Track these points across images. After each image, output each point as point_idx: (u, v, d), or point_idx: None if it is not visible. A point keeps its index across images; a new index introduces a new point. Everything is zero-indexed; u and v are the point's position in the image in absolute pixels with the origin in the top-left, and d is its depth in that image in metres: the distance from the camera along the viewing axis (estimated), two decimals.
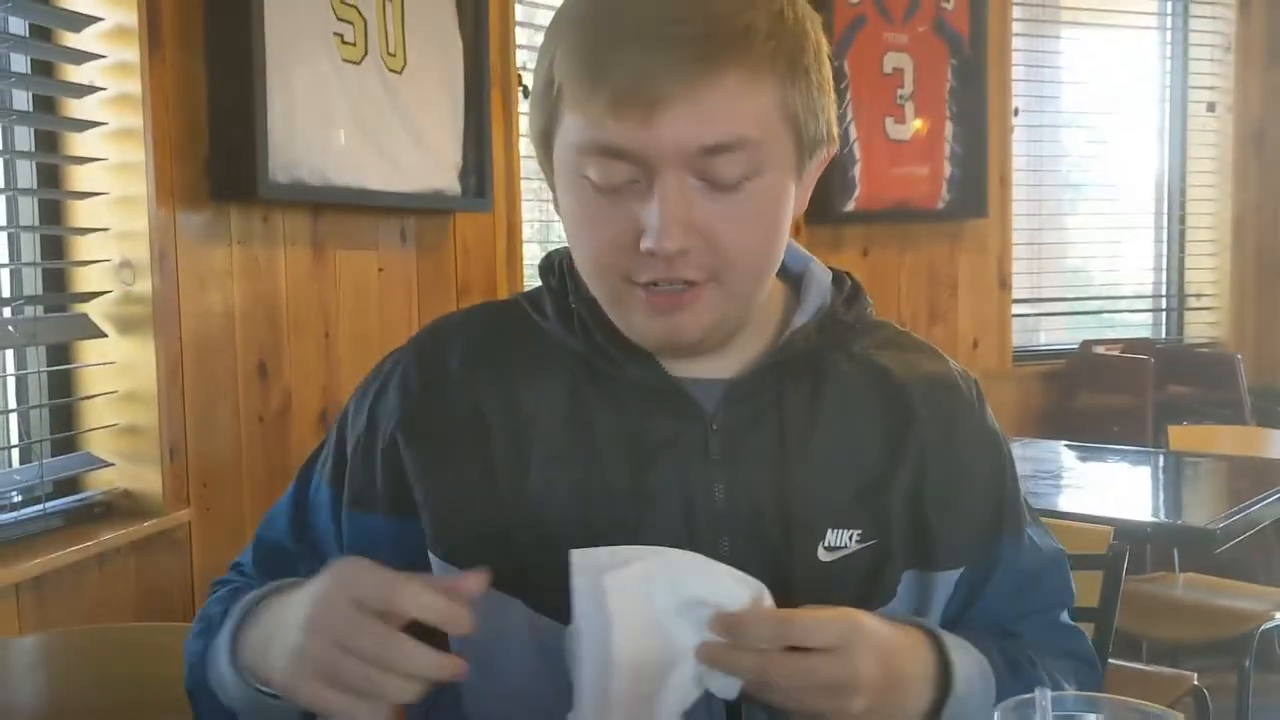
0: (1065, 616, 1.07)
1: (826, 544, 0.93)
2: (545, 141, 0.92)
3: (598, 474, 0.92)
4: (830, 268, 1.05)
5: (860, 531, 0.94)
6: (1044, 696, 0.62)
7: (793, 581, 0.91)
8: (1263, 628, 2.74)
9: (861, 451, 0.96)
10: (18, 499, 1.90)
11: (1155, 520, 2.59)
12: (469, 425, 0.95)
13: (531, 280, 1.31)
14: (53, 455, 1.98)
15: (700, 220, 0.85)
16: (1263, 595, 3.01)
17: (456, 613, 0.75)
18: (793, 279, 1.03)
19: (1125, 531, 2.18)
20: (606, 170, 0.86)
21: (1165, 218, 4.66)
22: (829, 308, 0.99)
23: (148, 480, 2.03)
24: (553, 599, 0.89)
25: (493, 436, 0.94)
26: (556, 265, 1.00)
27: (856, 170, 3.70)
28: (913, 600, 0.97)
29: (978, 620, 1.01)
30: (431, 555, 0.94)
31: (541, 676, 0.90)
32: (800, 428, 0.95)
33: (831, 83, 0.92)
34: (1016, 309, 4.16)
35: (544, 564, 0.90)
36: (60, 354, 2.00)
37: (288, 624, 0.80)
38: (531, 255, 3.09)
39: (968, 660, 0.89)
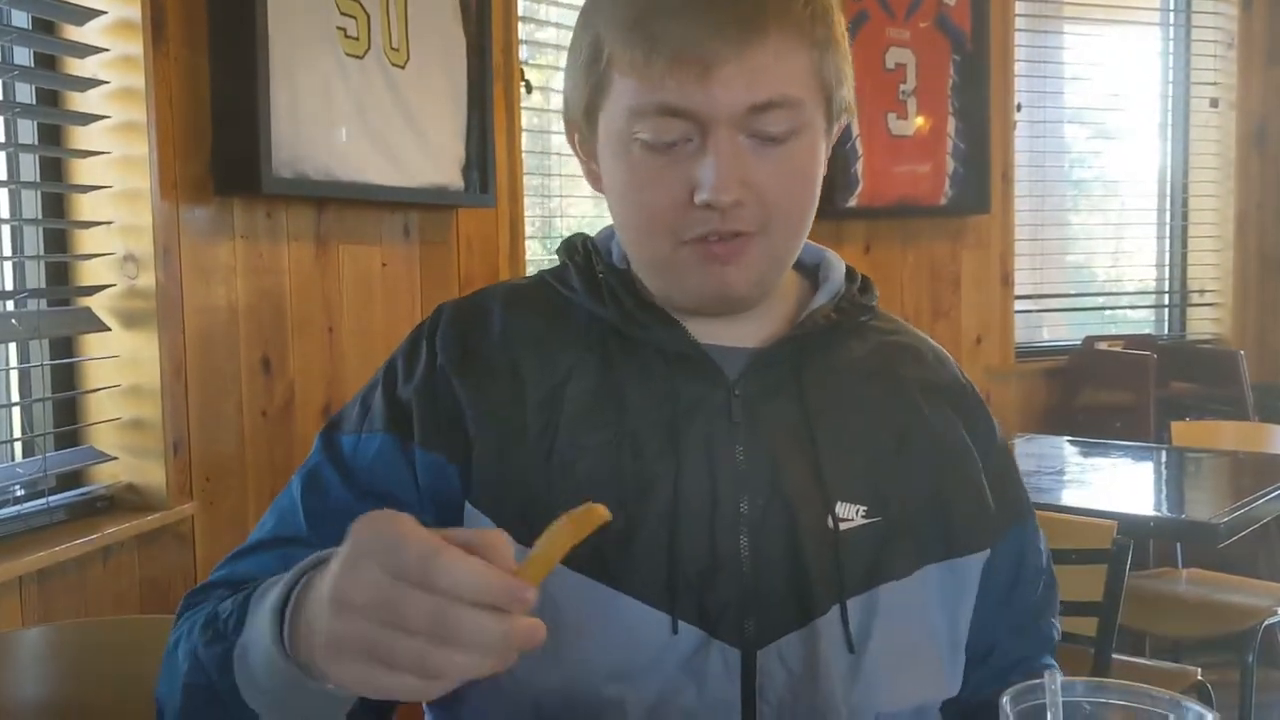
0: (1056, 627, 1.11)
1: (837, 514, 0.96)
2: (590, 113, 0.97)
3: (627, 436, 0.95)
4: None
5: (866, 508, 0.97)
6: (1053, 680, 0.62)
7: (807, 544, 0.94)
8: (1266, 623, 2.74)
9: (868, 433, 1.00)
10: (21, 493, 1.90)
11: (1159, 515, 2.59)
12: (507, 382, 0.97)
13: None
14: (56, 449, 1.98)
15: (751, 175, 0.91)
16: (1266, 590, 3.00)
17: (513, 589, 0.63)
18: (807, 269, 1.09)
19: (1129, 526, 2.18)
20: (662, 128, 0.91)
21: (1168, 214, 4.66)
22: (844, 292, 1.05)
23: (151, 474, 2.03)
24: (582, 557, 0.89)
25: (527, 397, 0.96)
26: (579, 245, 1.05)
27: (859, 166, 3.70)
28: (941, 593, 0.99)
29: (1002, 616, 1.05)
30: (466, 503, 0.94)
31: (574, 632, 0.91)
32: (815, 402, 0.99)
33: (850, 56, 0.98)
34: (1019, 305, 4.16)
35: None
36: (64, 348, 2.00)
37: (321, 601, 0.68)
38: (533, 252, 3.09)
39: None
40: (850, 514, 0.96)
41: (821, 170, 0.98)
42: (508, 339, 1.00)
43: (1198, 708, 0.64)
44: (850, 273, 1.09)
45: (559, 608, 0.91)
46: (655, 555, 0.91)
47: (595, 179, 1.01)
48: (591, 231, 1.09)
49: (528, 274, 1.09)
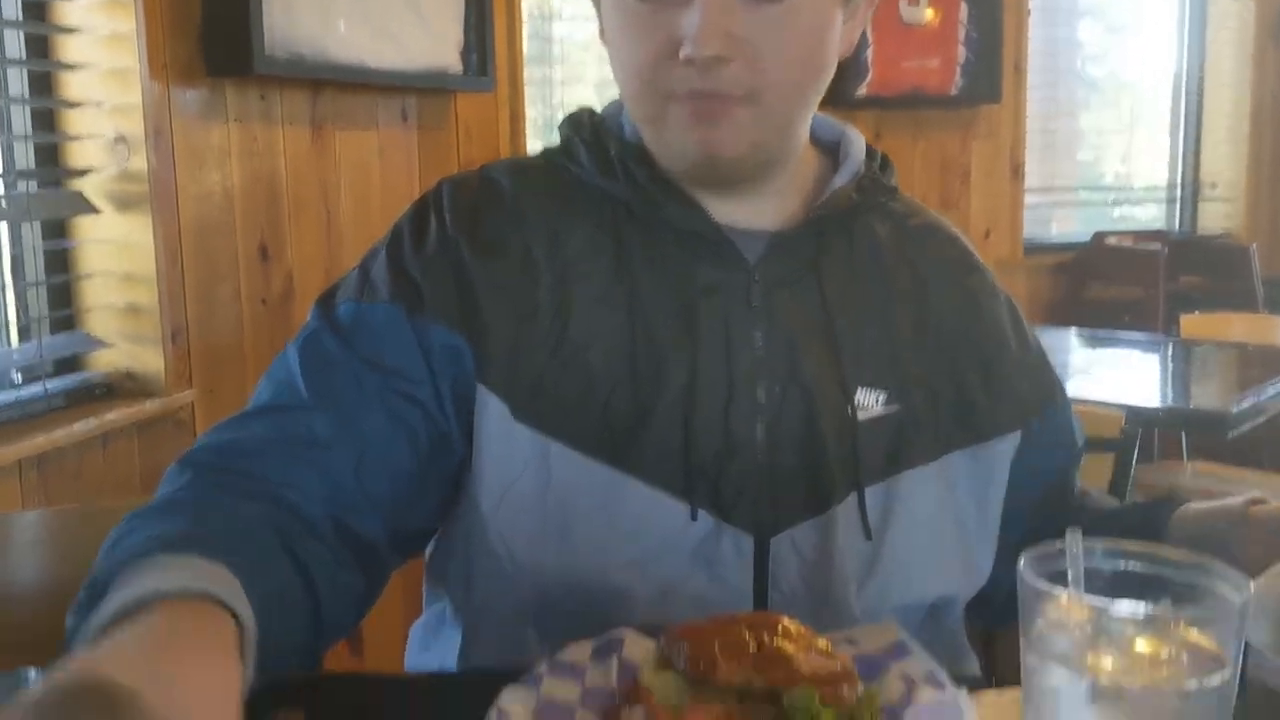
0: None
1: (857, 402, 0.94)
2: None
3: (640, 319, 0.92)
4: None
5: (886, 394, 0.95)
6: (1075, 542, 0.60)
7: (826, 433, 0.92)
8: None
9: (890, 319, 0.97)
10: (18, 379, 1.88)
11: (1168, 405, 2.57)
12: (519, 259, 0.93)
13: None
14: (51, 334, 1.95)
15: (740, 30, 0.85)
16: (1270, 483, 3.00)
17: None
18: (826, 147, 1.04)
19: (1137, 416, 2.15)
20: None
21: (1182, 106, 4.56)
22: (865, 171, 1.00)
23: (149, 361, 2.01)
24: (594, 441, 0.89)
25: (540, 276, 0.92)
26: (586, 119, 1.00)
27: (869, 54, 3.60)
28: (969, 478, 0.98)
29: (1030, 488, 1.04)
30: (478, 384, 0.90)
31: (582, 517, 0.89)
32: (836, 287, 0.96)
33: None
34: (1029, 199, 4.09)
35: (587, 407, 0.89)
36: (56, 232, 1.96)
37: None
38: (534, 141, 3.02)
39: None
40: (870, 401, 0.94)
41: (832, 38, 0.91)
42: (519, 215, 0.95)
43: (1222, 569, 0.62)
44: (870, 151, 1.04)
45: (567, 493, 0.89)
46: (669, 441, 0.89)
47: (603, 32, 0.96)
48: None
49: None
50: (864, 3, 0.95)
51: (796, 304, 0.95)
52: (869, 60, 3.61)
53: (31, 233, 1.90)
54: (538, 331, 0.91)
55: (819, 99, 0.95)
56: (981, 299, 1.03)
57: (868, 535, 0.92)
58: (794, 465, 0.91)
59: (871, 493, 0.93)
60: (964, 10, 3.73)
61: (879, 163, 1.03)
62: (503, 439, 0.90)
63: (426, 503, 0.93)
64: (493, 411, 0.90)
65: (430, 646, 1.03)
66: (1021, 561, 0.62)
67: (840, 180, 0.98)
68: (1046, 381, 1.06)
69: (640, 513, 0.89)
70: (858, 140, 1.03)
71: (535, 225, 0.94)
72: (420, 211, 0.97)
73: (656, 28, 0.87)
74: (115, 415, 1.90)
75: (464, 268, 0.92)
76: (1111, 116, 4.62)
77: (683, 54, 0.85)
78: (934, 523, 0.95)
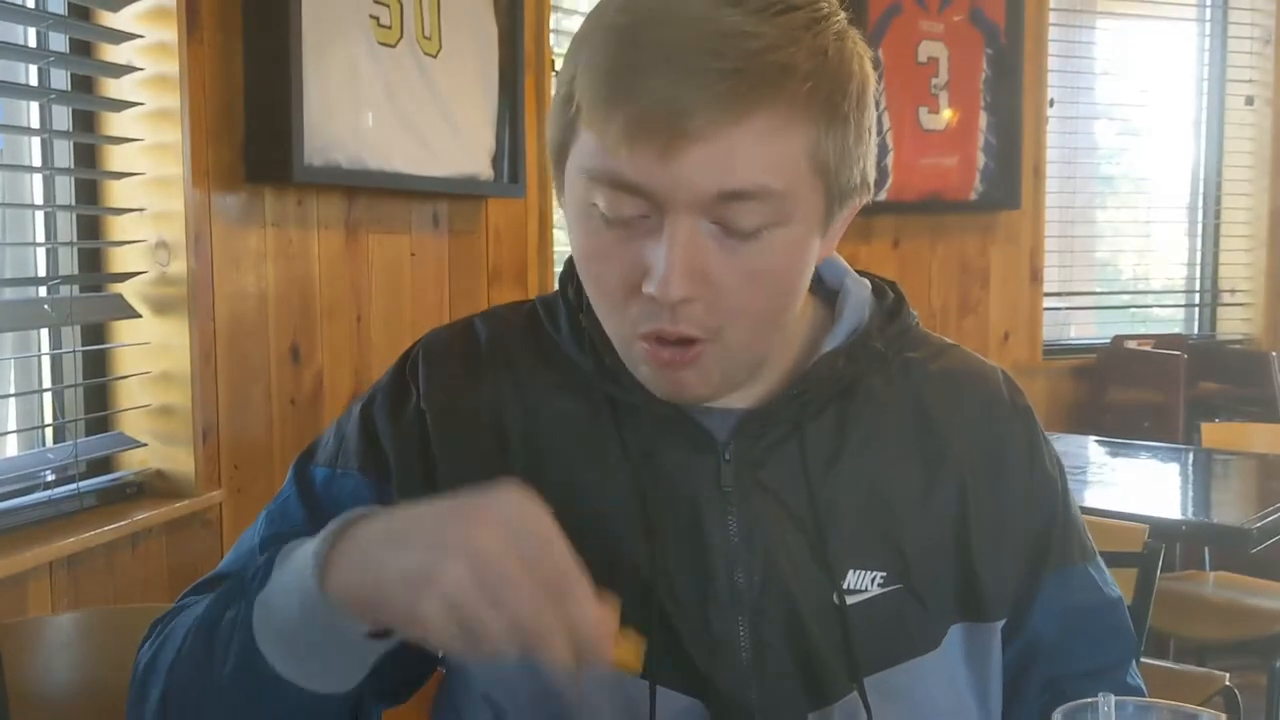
0: (1133, 673, 0.98)
1: (847, 586, 0.88)
2: (560, 156, 0.86)
3: (608, 504, 0.88)
4: (872, 277, 0.99)
5: (884, 574, 0.88)
6: (1108, 703, 0.61)
7: (812, 625, 0.87)
8: None
9: (890, 486, 0.90)
10: (51, 478, 1.91)
11: (1190, 519, 2.57)
12: (491, 432, 0.91)
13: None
14: (86, 435, 1.98)
15: (710, 270, 0.80)
16: None
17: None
18: (828, 294, 0.97)
19: (1159, 529, 2.16)
20: (615, 203, 0.80)
21: (1200, 212, 4.61)
22: (865, 328, 0.93)
23: (180, 461, 2.03)
24: None
25: (511, 449, 0.90)
26: (576, 277, 0.93)
27: (889, 160, 3.67)
28: (968, 658, 0.92)
29: (1033, 672, 0.95)
30: None
31: (550, 695, 0.87)
32: (822, 458, 0.89)
33: (874, 128, 0.86)
34: (1048, 302, 4.12)
35: None
36: (95, 334, 2.00)
37: (406, 536, 0.70)
38: (562, 245, 3.08)
39: None
40: (864, 583, 0.88)
41: (808, 265, 0.85)
42: (494, 382, 0.92)
43: None
44: (879, 289, 0.97)
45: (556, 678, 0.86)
46: (653, 635, 0.84)
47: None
48: None
49: (555, 266, 1.01)
50: (845, 216, 0.87)
51: (775, 482, 0.89)
52: (889, 166, 3.68)
53: (73, 336, 1.95)
54: None
55: (793, 316, 0.89)
56: (1010, 453, 0.94)
57: None
58: (784, 661, 0.87)
59: (874, 684, 0.87)
60: (983, 117, 3.80)
61: (886, 309, 0.95)
62: None
63: (387, 666, 0.85)
64: None
65: None
66: (1055, 716, 0.64)
67: (832, 343, 0.91)
68: (1042, 555, 0.94)
69: (630, 703, 0.86)
70: (858, 290, 0.95)
71: (510, 388, 0.92)
72: (398, 377, 0.95)
73: (623, 255, 0.81)
74: (145, 515, 1.92)
75: (429, 445, 0.90)
76: (1130, 217, 4.67)
77: (646, 290, 0.80)
78: (941, 707, 0.90)
